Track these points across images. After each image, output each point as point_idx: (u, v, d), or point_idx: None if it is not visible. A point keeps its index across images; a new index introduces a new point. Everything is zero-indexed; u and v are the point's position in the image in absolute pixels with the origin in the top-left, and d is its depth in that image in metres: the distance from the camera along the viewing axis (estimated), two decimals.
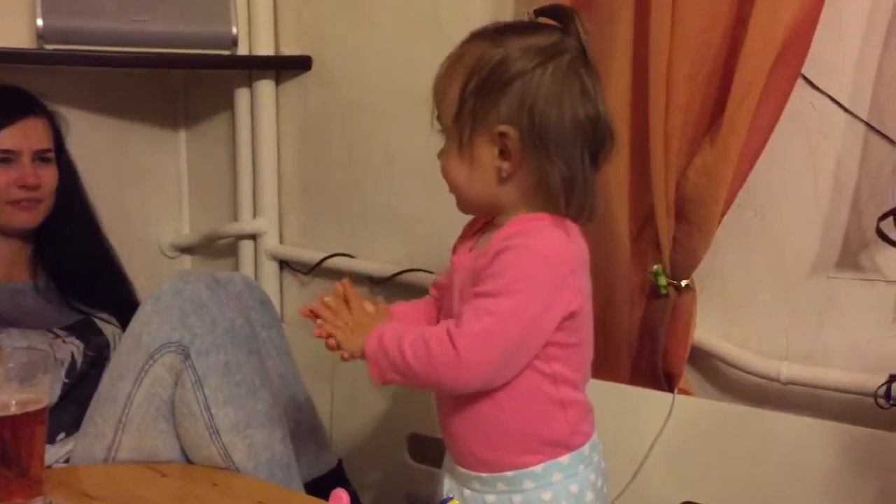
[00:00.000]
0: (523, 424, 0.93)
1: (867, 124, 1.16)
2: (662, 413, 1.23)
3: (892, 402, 1.15)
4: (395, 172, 1.64)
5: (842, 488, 1.12)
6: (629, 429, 1.26)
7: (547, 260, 0.89)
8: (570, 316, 0.91)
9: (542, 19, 0.93)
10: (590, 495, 0.95)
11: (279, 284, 1.82)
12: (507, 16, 1.45)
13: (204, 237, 1.91)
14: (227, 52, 1.68)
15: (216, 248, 1.92)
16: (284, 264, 1.82)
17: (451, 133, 0.93)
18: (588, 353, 0.97)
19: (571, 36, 0.90)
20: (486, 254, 0.90)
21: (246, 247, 1.82)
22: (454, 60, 0.93)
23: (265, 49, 1.73)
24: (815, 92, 1.19)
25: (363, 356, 0.95)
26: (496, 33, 0.92)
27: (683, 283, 1.24)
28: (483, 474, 0.95)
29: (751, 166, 1.19)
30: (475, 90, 0.90)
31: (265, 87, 1.75)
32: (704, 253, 1.22)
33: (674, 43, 1.16)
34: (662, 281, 1.24)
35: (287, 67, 1.75)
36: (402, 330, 0.93)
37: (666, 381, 1.28)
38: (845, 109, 1.18)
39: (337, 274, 1.73)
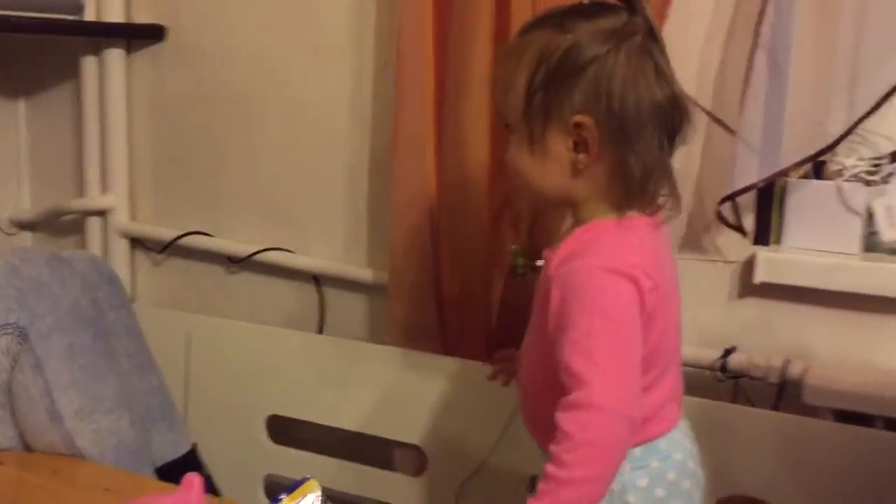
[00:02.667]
0: None
1: (710, 114, 1.22)
2: None
3: (727, 374, 1.23)
4: (256, 150, 1.60)
5: None
6: (488, 407, 1.30)
7: (613, 270, 0.82)
8: (649, 317, 0.84)
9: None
10: (660, 491, 0.89)
11: (130, 263, 1.74)
12: None
13: (47, 213, 1.80)
14: (72, 18, 1.58)
15: (60, 225, 1.81)
16: (136, 242, 1.74)
17: (519, 128, 0.87)
18: (662, 359, 0.89)
19: (639, 14, 0.85)
20: (548, 273, 0.86)
21: (93, 224, 1.73)
22: (517, 52, 0.87)
23: (114, 16, 1.64)
24: None
25: None
26: (560, 18, 0.86)
27: (539, 263, 1.28)
28: None
29: None
30: (545, 81, 0.84)
31: (114, 57, 1.66)
32: (560, 234, 1.26)
33: None
34: (520, 261, 1.27)
35: (139, 36, 1.66)
36: (539, 487, 0.80)
37: None
38: (690, 99, 1.25)
39: (193, 252, 1.68)
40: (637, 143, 0.84)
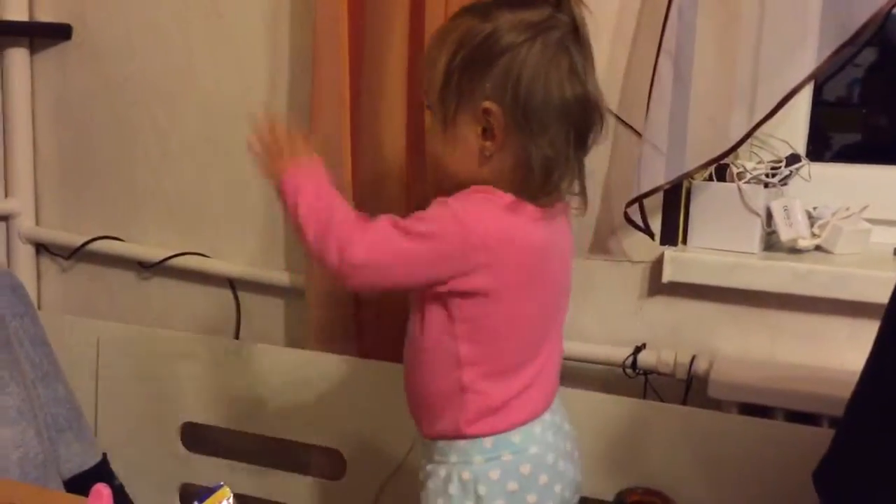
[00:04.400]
0: (430, 395, 0.91)
1: (617, 117, 1.26)
2: None
3: (638, 371, 1.27)
4: (168, 152, 1.56)
5: (596, 451, 1.22)
6: (406, 409, 1.30)
7: (461, 222, 0.84)
8: (473, 294, 0.86)
9: None
10: (512, 485, 0.90)
11: (36, 270, 1.68)
12: None
13: None
14: None
15: None
16: (42, 248, 1.69)
17: (436, 109, 0.89)
18: (518, 348, 0.90)
19: (564, 12, 0.86)
20: None
21: None
22: (443, 34, 0.89)
23: (17, 14, 1.59)
24: None
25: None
26: (487, 7, 0.87)
27: None
28: (425, 440, 0.95)
29: None
30: (461, 65, 0.86)
31: (17, 56, 1.60)
32: None
33: None
34: None
35: (43, 35, 1.61)
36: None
37: None
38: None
39: (102, 258, 1.63)
40: (540, 135, 0.85)
